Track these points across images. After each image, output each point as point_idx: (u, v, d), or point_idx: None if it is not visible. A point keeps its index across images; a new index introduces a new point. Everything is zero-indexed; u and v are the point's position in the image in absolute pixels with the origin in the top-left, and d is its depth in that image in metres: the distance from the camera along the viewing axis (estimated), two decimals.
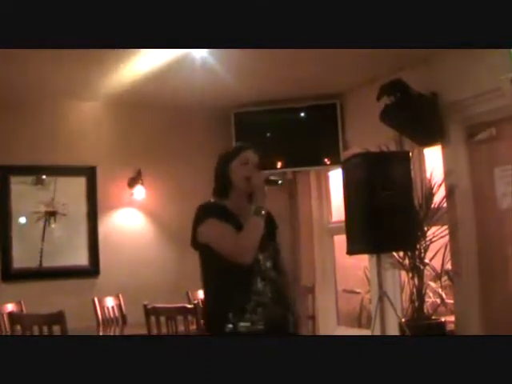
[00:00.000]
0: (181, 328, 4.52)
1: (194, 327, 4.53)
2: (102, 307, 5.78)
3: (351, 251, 5.18)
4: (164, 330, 4.55)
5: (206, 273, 2.98)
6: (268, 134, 6.95)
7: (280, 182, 3.03)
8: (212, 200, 3.09)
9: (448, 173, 5.28)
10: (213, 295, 2.93)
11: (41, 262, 6.29)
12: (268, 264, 2.96)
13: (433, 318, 5.26)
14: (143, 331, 4.68)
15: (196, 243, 2.98)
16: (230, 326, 2.80)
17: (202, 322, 3.00)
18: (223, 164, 3.05)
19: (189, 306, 4.67)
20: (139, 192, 6.65)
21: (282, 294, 2.97)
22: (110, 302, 5.88)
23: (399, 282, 5.93)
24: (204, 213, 2.96)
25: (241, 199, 3.01)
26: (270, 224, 3.02)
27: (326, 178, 7.23)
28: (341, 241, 6.02)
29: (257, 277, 2.90)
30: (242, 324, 2.81)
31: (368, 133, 6.04)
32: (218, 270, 2.89)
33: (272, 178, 3.00)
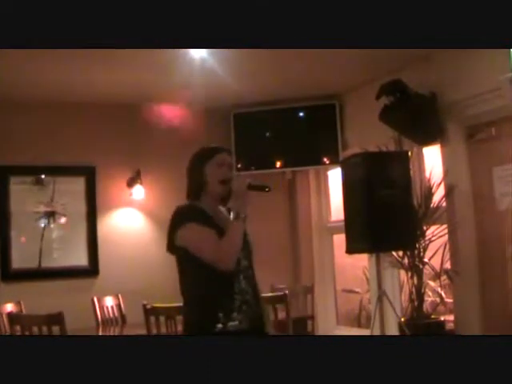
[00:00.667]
0: (180, 328, 4.52)
1: None
2: (102, 307, 5.78)
3: (350, 250, 5.18)
4: (163, 330, 4.56)
5: (188, 275, 2.92)
6: (267, 134, 6.96)
7: (267, 189, 2.98)
8: (187, 202, 3.05)
9: (447, 172, 5.28)
10: (199, 296, 2.88)
11: (40, 262, 6.29)
12: (246, 262, 2.96)
13: (432, 317, 5.26)
14: (143, 331, 4.68)
15: (174, 247, 2.93)
16: (220, 326, 2.80)
17: (185, 323, 2.96)
18: (197, 165, 3.01)
19: None
20: (138, 192, 6.65)
21: (258, 292, 2.99)
22: (109, 301, 5.88)
23: (398, 281, 5.94)
24: (183, 216, 2.91)
25: (213, 201, 2.99)
26: None
27: (325, 178, 7.24)
28: (340, 240, 6.02)
29: (239, 275, 2.90)
30: (231, 323, 2.81)
31: (367, 132, 6.05)
32: (202, 271, 2.83)
33: (255, 183, 2.96)
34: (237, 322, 2.82)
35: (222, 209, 3.03)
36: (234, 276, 2.87)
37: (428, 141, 5.48)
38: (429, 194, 5.26)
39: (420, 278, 5.21)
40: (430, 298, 5.81)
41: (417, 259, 5.20)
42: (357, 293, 7.45)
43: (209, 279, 2.84)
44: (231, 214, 2.92)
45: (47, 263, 6.30)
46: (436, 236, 5.24)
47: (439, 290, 5.68)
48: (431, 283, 5.75)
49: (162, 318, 4.58)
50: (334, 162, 6.58)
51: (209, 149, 3.09)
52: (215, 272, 2.80)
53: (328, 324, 6.97)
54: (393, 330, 5.30)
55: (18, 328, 4.31)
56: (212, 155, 3.01)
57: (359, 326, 7.28)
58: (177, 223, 2.91)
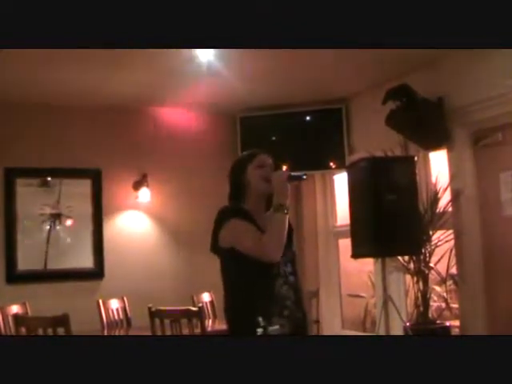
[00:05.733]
0: (185, 331, 4.52)
1: (198, 330, 4.53)
2: (107, 309, 5.78)
3: (356, 255, 5.18)
4: (168, 333, 4.55)
5: (231, 277, 2.94)
6: (273, 138, 6.96)
7: (304, 176, 3.06)
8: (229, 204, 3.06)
9: (453, 177, 5.27)
10: (240, 299, 2.90)
11: (46, 264, 6.30)
12: (288, 268, 2.97)
13: (437, 322, 5.25)
14: (147, 334, 4.68)
15: (217, 248, 2.94)
16: (261, 329, 2.81)
17: (227, 324, 2.97)
18: (239, 168, 3.04)
19: (193, 308, 4.67)
20: (144, 195, 6.66)
21: (300, 297, 3.00)
22: (114, 304, 5.88)
23: (404, 286, 5.93)
24: (225, 215, 2.93)
25: (258, 203, 3.01)
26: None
27: (331, 182, 7.23)
28: (345, 245, 6.02)
29: (280, 281, 2.91)
30: (271, 328, 2.82)
31: (373, 137, 6.05)
32: (245, 274, 2.86)
33: (294, 174, 3.02)
34: (278, 327, 2.83)
35: (268, 213, 3.01)
36: (274, 281, 2.88)
37: (434, 146, 5.47)
38: (435, 198, 5.26)
39: (426, 283, 5.20)
40: (435, 303, 5.80)
41: (422, 264, 5.19)
42: (362, 297, 7.44)
43: (251, 282, 2.87)
44: (273, 207, 2.92)
45: (53, 265, 6.31)
46: (442, 241, 5.23)
47: (445, 295, 5.67)
48: (437, 288, 5.74)
49: (167, 321, 4.58)
50: (340, 166, 6.57)
51: (249, 152, 3.13)
52: (258, 275, 2.84)
53: (333, 328, 6.96)
54: (398, 334, 5.28)
55: (23, 330, 4.32)
56: (253, 157, 3.05)
57: (364, 330, 7.27)
58: (220, 223, 2.93)
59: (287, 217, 2.90)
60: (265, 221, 2.94)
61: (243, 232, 2.86)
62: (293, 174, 3.02)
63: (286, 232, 2.87)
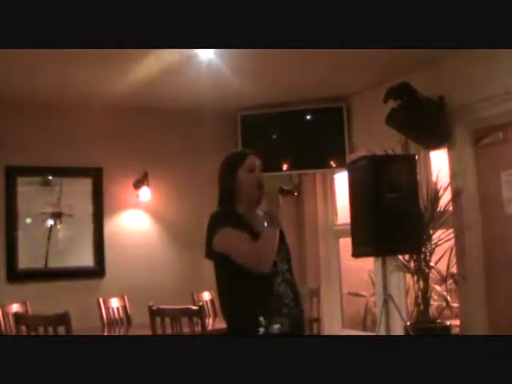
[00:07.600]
0: (186, 329, 4.53)
1: (198, 329, 4.53)
2: (107, 308, 5.79)
3: (356, 254, 5.17)
4: (169, 331, 4.56)
5: (227, 279, 2.94)
6: (274, 137, 6.95)
7: (296, 193, 3.07)
8: (219, 208, 3.06)
9: (454, 176, 5.27)
10: (239, 300, 2.90)
11: (46, 262, 6.30)
12: (284, 266, 2.98)
13: (438, 321, 5.25)
14: (148, 332, 4.69)
15: (212, 253, 2.94)
16: (262, 329, 2.81)
17: (227, 327, 2.97)
18: (229, 172, 3.03)
19: (194, 307, 4.67)
20: (145, 193, 6.66)
21: (297, 294, 3.00)
22: (115, 302, 5.89)
23: (404, 284, 5.93)
24: (218, 221, 2.93)
25: (249, 205, 3.02)
26: None
27: (332, 181, 7.23)
28: (346, 243, 6.02)
29: (277, 278, 2.92)
30: (273, 326, 2.83)
31: (374, 136, 6.04)
32: (242, 275, 2.86)
33: (286, 187, 3.02)
34: (279, 325, 2.84)
35: (259, 213, 3.04)
36: (272, 279, 2.89)
37: (435, 144, 5.47)
38: (435, 197, 5.25)
39: (426, 281, 5.20)
40: (435, 302, 5.80)
41: (423, 263, 5.19)
42: (362, 296, 7.44)
43: (246, 284, 2.87)
44: (265, 218, 2.93)
45: (53, 264, 6.31)
46: (442, 240, 5.23)
47: (445, 294, 5.67)
48: (437, 287, 5.74)
49: (167, 320, 4.58)
50: (341, 165, 6.56)
51: (238, 154, 3.15)
52: (253, 277, 2.83)
53: (334, 327, 6.96)
54: (398, 333, 5.29)
55: (23, 328, 4.32)
56: (243, 160, 3.04)
57: (365, 329, 7.27)
58: (213, 229, 2.93)
59: (278, 231, 2.90)
60: (257, 221, 2.96)
61: (234, 243, 2.87)
62: (284, 187, 3.02)
63: (276, 245, 2.88)
